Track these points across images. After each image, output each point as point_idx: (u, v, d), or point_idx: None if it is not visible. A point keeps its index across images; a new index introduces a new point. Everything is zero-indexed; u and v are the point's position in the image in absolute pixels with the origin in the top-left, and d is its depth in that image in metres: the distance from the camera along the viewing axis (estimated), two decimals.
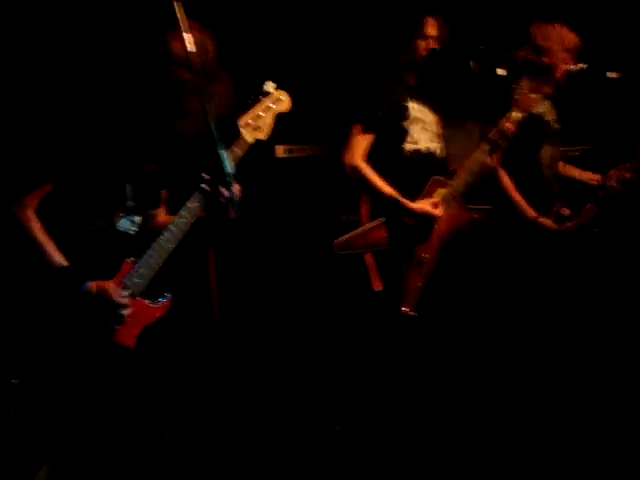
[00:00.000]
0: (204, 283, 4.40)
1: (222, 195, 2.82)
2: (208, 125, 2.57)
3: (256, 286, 2.90)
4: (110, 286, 2.78)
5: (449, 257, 3.81)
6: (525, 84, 3.78)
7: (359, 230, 3.70)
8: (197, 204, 2.90)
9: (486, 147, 3.74)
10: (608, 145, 4.62)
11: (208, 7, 2.92)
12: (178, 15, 2.54)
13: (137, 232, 2.96)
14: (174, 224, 2.88)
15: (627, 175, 4.02)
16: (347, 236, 3.67)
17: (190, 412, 3.06)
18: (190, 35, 2.56)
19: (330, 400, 3.97)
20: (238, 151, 2.97)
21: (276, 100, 3.07)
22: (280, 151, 4.53)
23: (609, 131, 4.69)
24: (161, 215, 3.14)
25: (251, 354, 4.13)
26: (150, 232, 2.96)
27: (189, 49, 2.57)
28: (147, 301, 2.91)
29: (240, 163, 2.94)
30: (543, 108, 4.09)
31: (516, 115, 3.77)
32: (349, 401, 3.92)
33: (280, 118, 3.09)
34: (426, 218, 3.69)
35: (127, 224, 2.93)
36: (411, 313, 3.72)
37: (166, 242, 2.87)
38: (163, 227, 2.93)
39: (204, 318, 4.32)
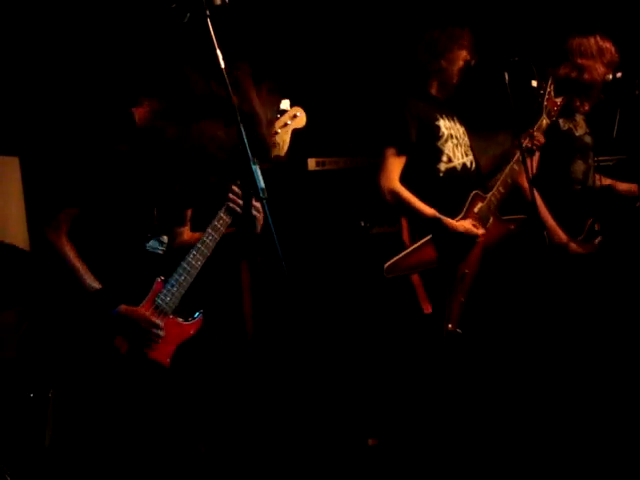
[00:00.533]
0: (237, 298, 4.40)
1: (255, 209, 2.81)
2: (242, 141, 2.56)
3: (291, 301, 2.88)
4: (141, 310, 2.81)
5: (489, 270, 3.81)
6: (551, 88, 3.77)
7: (407, 251, 3.67)
8: (224, 221, 2.93)
9: (519, 157, 3.73)
10: None
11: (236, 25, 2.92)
12: (211, 31, 2.54)
13: (165, 251, 2.99)
14: (201, 241, 2.91)
15: None
16: (395, 258, 3.63)
17: (222, 427, 3.06)
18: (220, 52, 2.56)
19: (371, 421, 3.96)
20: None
21: (292, 117, 3.11)
22: (312, 164, 4.53)
23: None
24: (186, 232, 3.18)
25: (284, 372, 4.12)
26: (178, 250, 2.98)
27: (222, 66, 2.57)
28: (180, 319, 2.94)
29: (273, 175, 2.93)
30: (573, 123, 4.07)
31: (546, 121, 3.81)
32: (392, 423, 3.91)
33: (311, 131, 3.09)
34: (469, 236, 3.69)
35: (155, 244, 2.99)
36: (457, 331, 3.70)
37: (195, 260, 2.90)
38: (189, 244, 2.96)
39: (237, 334, 4.31)
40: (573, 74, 3.96)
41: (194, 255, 2.89)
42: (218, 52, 2.53)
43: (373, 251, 4.05)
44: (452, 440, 3.70)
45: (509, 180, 3.78)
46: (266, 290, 4.38)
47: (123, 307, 2.78)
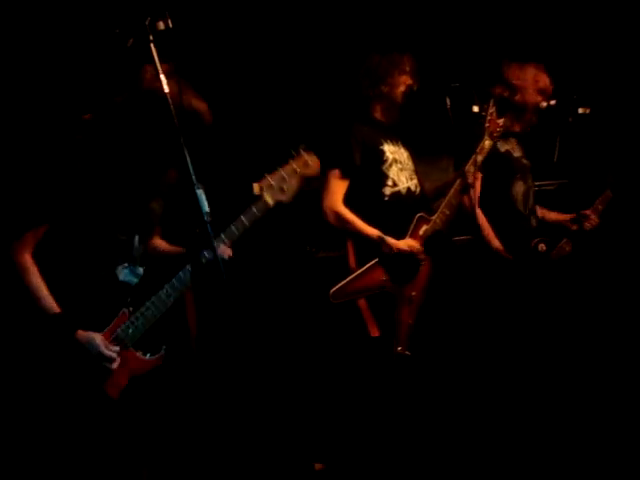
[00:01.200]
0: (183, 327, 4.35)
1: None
2: (186, 166, 2.55)
3: (234, 324, 2.87)
4: (97, 338, 2.75)
5: (436, 292, 3.85)
6: (493, 109, 3.86)
7: (352, 276, 3.69)
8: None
9: (462, 180, 3.79)
10: (583, 178, 4.69)
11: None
12: (154, 57, 2.54)
13: (138, 283, 2.94)
14: (177, 277, 2.86)
15: (600, 208, 4.20)
16: (341, 284, 3.65)
17: (167, 455, 3.04)
18: (164, 76, 2.56)
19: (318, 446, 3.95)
20: (255, 212, 2.96)
21: (303, 163, 3.05)
22: (257, 188, 4.52)
23: (584, 165, 4.75)
24: (156, 241, 3.15)
25: (228, 395, 4.09)
26: (151, 279, 2.93)
27: (166, 90, 2.57)
28: (139, 353, 2.88)
29: (218, 203, 2.93)
30: (510, 145, 4.16)
31: (489, 142, 3.86)
32: (340, 447, 3.90)
33: (255, 155, 3.08)
34: (414, 256, 3.73)
35: (129, 275, 2.92)
36: (406, 352, 3.72)
37: (166, 296, 2.86)
38: (162, 253, 2.94)
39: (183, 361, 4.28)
40: (505, 94, 4.06)
41: (166, 291, 2.85)
42: (162, 77, 2.55)
43: (318, 275, 4.05)
44: (401, 462, 3.71)
45: (453, 202, 3.83)
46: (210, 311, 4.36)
47: (79, 332, 2.73)
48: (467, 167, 3.81)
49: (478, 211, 3.88)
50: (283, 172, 3.01)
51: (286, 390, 4.13)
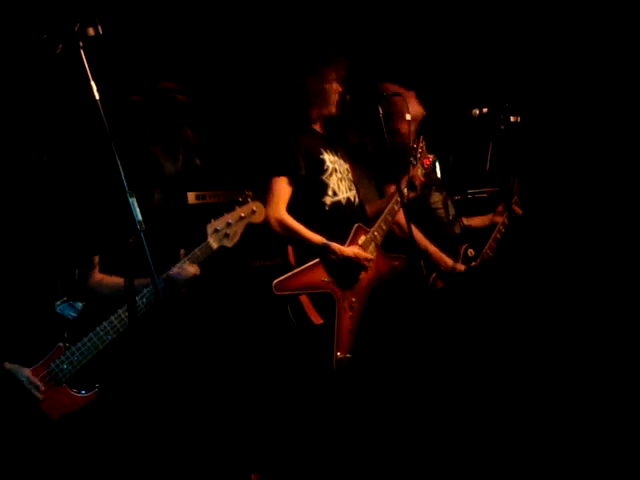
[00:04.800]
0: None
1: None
2: (118, 174, 2.51)
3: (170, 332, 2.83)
4: (25, 372, 2.69)
5: (376, 303, 3.88)
6: (423, 144, 4.01)
7: (295, 270, 3.69)
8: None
9: (398, 198, 3.86)
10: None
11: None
12: (84, 62, 2.50)
13: (76, 318, 2.87)
14: (116, 315, 2.80)
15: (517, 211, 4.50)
16: (284, 276, 3.64)
17: None
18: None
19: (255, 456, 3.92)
20: (199, 254, 3.00)
21: (250, 211, 3.12)
22: (192, 197, 4.50)
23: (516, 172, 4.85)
24: (96, 275, 3.08)
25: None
26: (90, 315, 2.87)
27: (97, 97, 2.52)
28: (73, 390, 2.79)
29: (154, 209, 2.91)
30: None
31: (421, 170, 4.00)
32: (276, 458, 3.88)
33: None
34: (357, 262, 3.76)
35: (67, 310, 2.86)
36: (346, 356, 3.72)
37: (104, 333, 2.79)
38: (103, 286, 2.90)
39: None
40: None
41: (104, 328, 2.79)
42: (92, 83, 2.51)
43: (253, 284, 4.04)
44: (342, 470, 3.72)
45: (389, 218, 3.90)
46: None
47: (6, 364, 2.66)
48: (402, 187, 3.89)
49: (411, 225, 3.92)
50: (229, 218, 3.06)
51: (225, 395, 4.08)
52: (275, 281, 3.60)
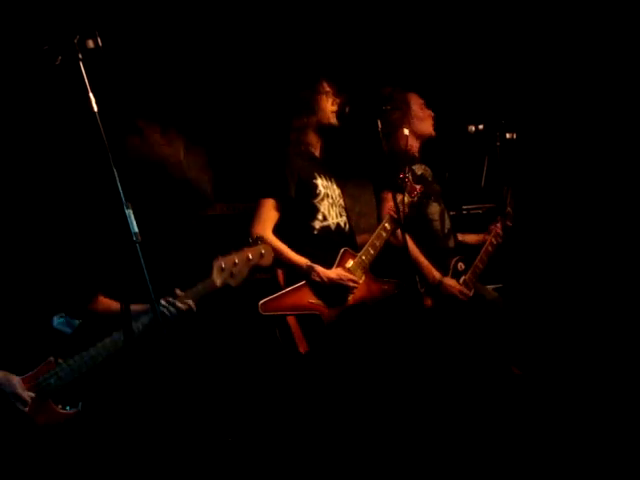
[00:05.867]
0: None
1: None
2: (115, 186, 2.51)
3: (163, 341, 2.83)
4: (13, 379, 2.66)
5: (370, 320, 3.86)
6: (409, 175, 3.98)
7: (282, 292, 3.69)
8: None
9: (387, 224, 3.88)
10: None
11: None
12: (83, 74, 2.52)
13: (71, 335, 2.86)
14: (111, 339, 2.78)
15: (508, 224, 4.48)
16: (271, 297, 3.64)
17: None
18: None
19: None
20: (201, 289, 2.96)
21: (258, 254, 3.09)
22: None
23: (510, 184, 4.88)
24: (99, 304, 3.06)
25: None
26: (86, 334, 2.87)
27: (95, 109, 2.54)
28: (59, 406, 2.77)
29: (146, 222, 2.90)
30: (422, 169, 4.28)
31: (408, 199, 3.95)
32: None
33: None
34: (342, 284, 3.75)
35: (63, 325, 2.85)
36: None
37: (97, 353, 2.76)
38: (107, 313, 2.90)
39: None
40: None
41: (97, 349, 2.76)
42: (91, 95, 2.52)
43: (246, 296, 4.03)
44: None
45: (377, 243, 3.89)
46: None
47: None
48: (385, 221, 3.90)
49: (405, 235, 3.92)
50: (236, 257, 3.04)
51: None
52: (261, 301, 3.61)
